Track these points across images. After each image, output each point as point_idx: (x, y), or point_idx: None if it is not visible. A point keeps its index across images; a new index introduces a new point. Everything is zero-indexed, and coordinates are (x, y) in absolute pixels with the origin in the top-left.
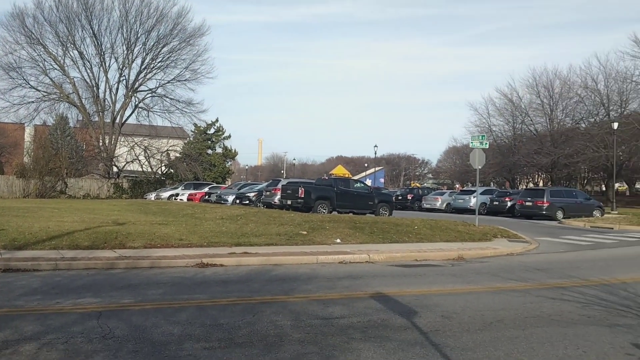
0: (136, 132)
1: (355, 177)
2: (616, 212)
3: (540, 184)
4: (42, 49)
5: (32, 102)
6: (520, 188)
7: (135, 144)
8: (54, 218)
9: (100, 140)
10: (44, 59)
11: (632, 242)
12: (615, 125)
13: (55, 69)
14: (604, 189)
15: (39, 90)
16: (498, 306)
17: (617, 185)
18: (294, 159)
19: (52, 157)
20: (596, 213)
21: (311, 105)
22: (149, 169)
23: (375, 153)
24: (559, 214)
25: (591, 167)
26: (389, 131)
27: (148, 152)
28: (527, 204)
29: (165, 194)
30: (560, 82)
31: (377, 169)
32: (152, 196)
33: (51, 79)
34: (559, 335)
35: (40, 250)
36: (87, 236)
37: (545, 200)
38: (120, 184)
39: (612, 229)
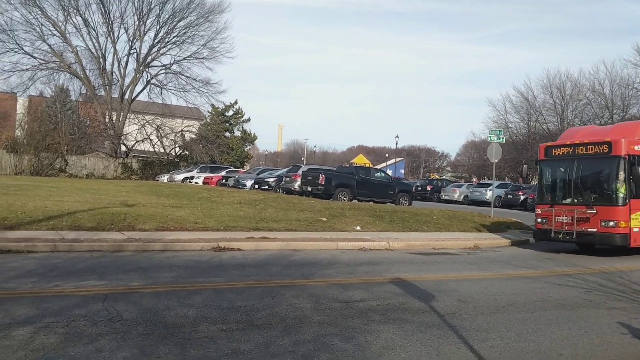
0: (147, 109)
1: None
2: None
3: None
4: (39, 12)
5: (27, 69)
6: (532, 183)
7: (147, 122)
8: (52, 197)
9: (107, 117)
10: (42, 23)
11: None
12: None
13: (55, 35)
14: None
15: (34, 57)
16: (510, 291)
17: None
18: (315, 146)
19: (50, 131)
20: None
21: (333, 93)
22: (162, 150)
23: (397, 144)
24: None
25: None
26: (410, 123)
27: (161, 131)
28: None
29: (179, 177)
30: (571, 84)
31: (397, 159)
32: (164, 178)
33: (50, 46)
34: (564, 318)
35: (35, 230)
36: (91, 217)
37: None
38: (129, 164)
39: None
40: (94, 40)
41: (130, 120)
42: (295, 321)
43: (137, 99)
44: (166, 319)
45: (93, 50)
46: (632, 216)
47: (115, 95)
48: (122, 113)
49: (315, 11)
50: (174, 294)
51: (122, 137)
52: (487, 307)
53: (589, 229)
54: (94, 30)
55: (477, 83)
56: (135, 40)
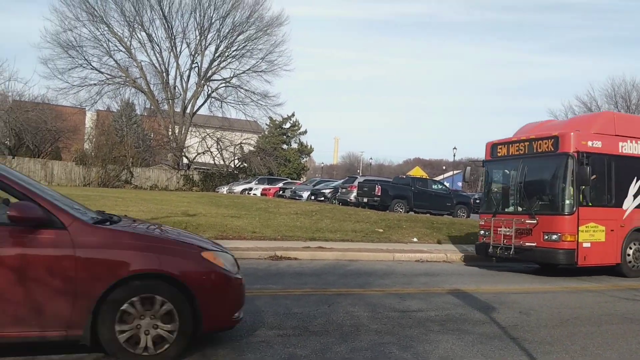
0: (208, 123)
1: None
2: None
3: None
4: (106, 28)
5: (94, 84)
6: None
7: (207, 134)
8: (117, 207)
9: (170, 130)
10: (108, 39)
11: None
12: None
13: (121, 50)
14: None
15: (101, 73)
16: (574, 304)
17: None
18: (371, 159)
19: (117, 144)
20: None
21: (389, 105)
22: (222, 162)
23: (454, 156)
24: None
25: None
26: (468, 135)
27: (221, 144)
28: None
29: (238, 188)
30: (637, 93)
31: (455, 172)
32: (224, 189)
33: (116, 61)
34: (632, 332)
35: None
36: None
37: None
38: (191, 176)
39: None
40: (157, 55)
41: (192, 133)
42: (352, 329)
43: (197, 112)
44: None
45: (157, 65)
46: (580, 228)
47: (178, 109)
48: (184, 126)
49: (371, 23)
50: None
51: (184, 150)
52: (551, 320)
53: (528, 243)
54: (158, 45)
55: (538, 93)
56: (196, 54)
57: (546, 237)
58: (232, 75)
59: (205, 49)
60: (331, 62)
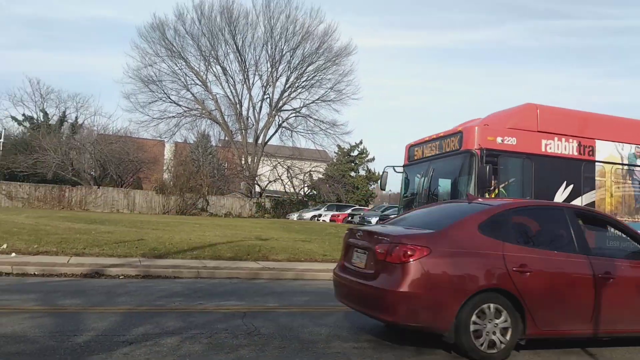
0: (279, 152)
1: None
2: None
3: None
4: (184, 63)
5: (173, 117)
6: None
7: (278, 163)
8: (195, 232)
9: (243, 159)
10: (186, 74)
11: None
12: None
13: (197, 84)
14: None
15: (179, 105)
16: None
17: None
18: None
19: (194, 174)
20: None
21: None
22: (292, 190)
23: None
24: None
25: None
26: None
27: (291, 172)
28: None
29: (307, 215)
30: None
31: None
32: (294, 216)
33: (193, 94)
34: None
35: (181, 259)
36: (229, 248)
37: None
38: (263, 204)
39: None
40: (231, 87)
41: (264, 162)
42: (426, 342)
43: (269, 142)
44: (300, 335)
45: (230, 97)
46: None
47: (250, 139)
48: (256, 156)
49: (438, 52)
50: (307, 315)
51: (256, 179)
52: (631, 339)
53: None
54: (232, 78)
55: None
56: (268, 86)
57: None
58: (302, 105)
59: (277, 80)
60: (399, 90)
